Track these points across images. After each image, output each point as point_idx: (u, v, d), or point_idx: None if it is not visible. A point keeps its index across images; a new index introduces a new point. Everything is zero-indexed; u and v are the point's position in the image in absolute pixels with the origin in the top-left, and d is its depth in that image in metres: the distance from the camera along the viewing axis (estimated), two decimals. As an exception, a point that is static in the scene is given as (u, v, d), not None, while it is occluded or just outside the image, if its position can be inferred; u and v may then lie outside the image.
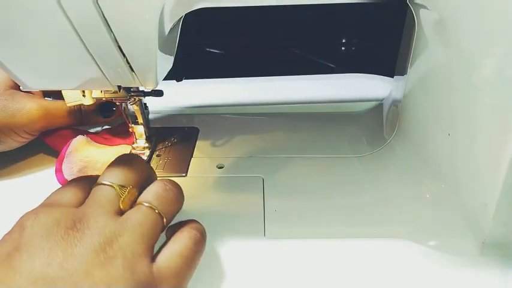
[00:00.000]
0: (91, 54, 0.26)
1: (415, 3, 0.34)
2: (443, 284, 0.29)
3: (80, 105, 0.39)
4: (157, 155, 0.43)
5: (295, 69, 0.59)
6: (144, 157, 0.42)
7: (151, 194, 0.29)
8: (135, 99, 0.38)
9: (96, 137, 0.44)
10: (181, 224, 0.29)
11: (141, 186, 0.30)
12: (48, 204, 0.28)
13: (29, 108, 0.39)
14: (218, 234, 0.32)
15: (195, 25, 0.61)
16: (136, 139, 0.43)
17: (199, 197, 0.37)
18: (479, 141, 0.29)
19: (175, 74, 0.41)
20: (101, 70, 0.28)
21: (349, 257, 0.31)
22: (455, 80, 0.31)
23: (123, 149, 0.43)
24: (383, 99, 0.48)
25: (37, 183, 0.40)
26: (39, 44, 0.26)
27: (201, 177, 0.40)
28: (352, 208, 0.35)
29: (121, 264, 0.24)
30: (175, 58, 0.33)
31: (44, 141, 0.42)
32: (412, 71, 0.37)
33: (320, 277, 0.29)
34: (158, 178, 0.32)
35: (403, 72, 0.39)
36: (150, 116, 0.45)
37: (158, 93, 0.39)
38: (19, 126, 0.38)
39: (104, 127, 0.47)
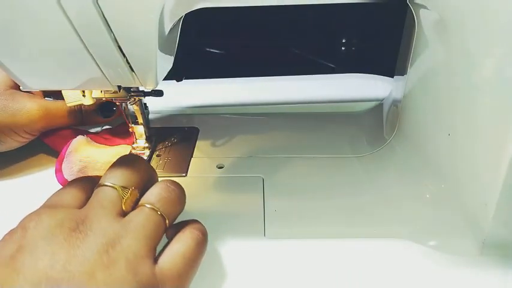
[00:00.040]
0: (91, 54, 0.26)
1: (415, 3, 0.34)
2: (443, 284, 0.29)
3: (80, 105, 0.39)
4: (157, 155, 0.43)
5: (295, 69, 0.59)
6: (144, 157, 0.42)
7: (154, 195, 0.29)
8: (135, 99, 0.38)
9: (96, 137, 0.44)
10: (183, 225, 0.29)
11: (143, 187, 0.30)
12: (49, 206, 0.28)
13: (29, 108, 0.39)
14: (218, 234, 0.32)
15: (195, 25, 0.61)
16: (136, 139, 0.43)
17: (199, 197, 0.37)
18: (479, 141, 0.29)
19: (175, 74, 0.41)
20: (101, 70, 0.28)
21: (349, 257, 0.31)
22: (456, 80, 0.31)
23: (123, 149, 0.43)
24: (383, 99, 0.48)
25: (37, 183, 0.40)
26: (39, 44, 0.26)
27: (201, 177, 0.40)
28: (352, 208, 0.35)
29: (124, 266, 0.24)
30: (175, 58, 0.33)
31: (44, 142, 0.42)
32: (412, 71, 0.37)
33: (320, 277, 0.29)
34: (159, 178, 0.32)
35: (403, 72, 0.39)
36: (150, 116, 0.45)
37: (158, 93, 0.39)
38: (19, 126, 0.38)
39: (104, 127, 0.47)
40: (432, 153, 0.35)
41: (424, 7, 0.33)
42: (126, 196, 0.28)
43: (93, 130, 0.46)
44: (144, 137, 0.42)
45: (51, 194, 0.29)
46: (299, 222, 0.34)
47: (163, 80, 0.32)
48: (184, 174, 0.40)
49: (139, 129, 0.42)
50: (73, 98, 0.37)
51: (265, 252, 0.31)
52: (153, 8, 0.25)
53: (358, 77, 0.57)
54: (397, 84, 0.42)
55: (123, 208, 0.27)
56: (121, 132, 0.45)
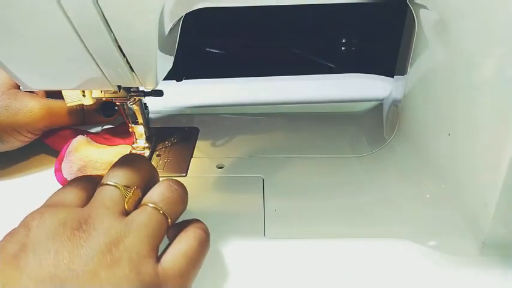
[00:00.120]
0: (91, 54, 0.26)
1: (415, 3, 0.34)
2: (443, 284, 0.29)
3: (82, 104, 0.39)
4: (157, 155, 0.43)
5: (295, 69, 0.59)
6: (144, 157, 0.42)
7: (157, 194, 0.29)
8: (135, 99, 0.38)
9: (96, 137, 0.44)
10: (185, 224, 0.29)
11: (145, 187, 0.30)
12: (51, 205, 0.28)
13: (32, 107, 0.39)
14: (218, 234, 0.32)
15: (195, 25, 0.61)
16: (136, 139, 0.43)
17: (199, 197, 0.37)
18: (479, 141, 0.29)
19: (175, 74, 0.41)
20: (101, 70, 0.28)
21: (349, 257, 0.31)
22: (455, 80, 0.31)
23: (123, 149, 0.43)
24: (383, 99, 0.48)
25: (37, 183, 0.40)
26: (39, 44, 0.26)
27: (201, 177, 0.40)
28: (352, 208, 0.35)
29: (127, 265, 0.24)
30: (175, 58, 0.33)
31: (45, 143, 0.42)
32: (412, 71, 0.37)
33: (320, 277, 0.29)
34: (160, 178, 0.32)
35: (403, 72, 0.39)
36: (150, 116, 0.45)
37: (158, 93, 0.39)
38: (22, 125, 0.38)
39: (104, 127, 0.47)
40: (432, 153, 0.35)
41: (424, 7, 0.33)
42: (129, 195, 0.28)
43: (93, 130, 0.46)
44: (144, 137, 0.42)
45: (52, 193, 0.29)
46: (299, 222, 0.34)
47: (163, 80, 0.32)
48: (184, 174, 0.40)
49: (139, 129, 0.42)
50: (73, 98, 0.37)
51: (265, 252, 0.31)
52: (153, 8, 0.25)
53: (358, 77, 0.57)
54: (397, 84, 0.42)
55: (126, 207, 0.27)
56: (121, 132, 0.45)
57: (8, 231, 0.25)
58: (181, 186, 0.31)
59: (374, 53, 0.67)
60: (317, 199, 0.36)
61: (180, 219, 0.30)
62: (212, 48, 0.69)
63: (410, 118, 0.38)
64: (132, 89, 0.38)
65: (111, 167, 0.30)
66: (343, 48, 0.69)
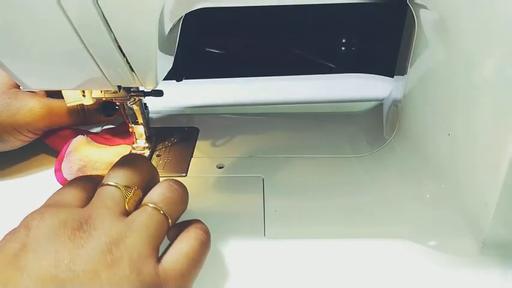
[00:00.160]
0: (91, 54, 0.26)
1: (415, 3, 0.34)
2: (443, 284, 0.29)
3: (82, 104, 0.39)
4: (157, 155, 0.43)
5: (295, 69, 0.59)
6: (144, 157, 0.42)
7: (157, 195, 0.29)
8: (135, 99, 0.38)
9: (96, 137, 0.44)
10: (186, 224, 0.29)
11: (146, 187, 0.30)
12: (51, 205, 0.28)
13: (32, 107, 0.39)
14: (218, 234, 0.32)
15: (195, 25, 0.61)
16: (136, 139, 0.43)
17: (199, 197, 0.37)
18: (479, 141, 0.29)
19: (175, 74, 0.41)
20: (101, 70, 0.28)
21: (349, 257, 0.31)
22: (455, 80, 0.31)
23: (123, 149, 0.43)
24: (383, 99, 0.48)
25: (37, 183, 0.40)
26: (39, 44, 0.26)
27: (201, 177, 0.40)
28: (352, 208, 0.35)
29: (127, 266, 0.24)
30: (175, 58, 0.33)
31: (45, 143, 0.42)
32: (412, 71, 0.37)
33: (320, 277, 0.29)
34: (160, 178, 0.32)
35: (403, 72, 0.39)
36: (150, 116, 0.45)
37: (158, 93, 0.39)
38: (22, 125, 0.38)
39: (104, 127, 0.47)
40: (432, 153, 0.35)
41: (424, 7, 0.33)
42: (129, 196, 0.28)
43: (93, 130, 0.46)
44: (144, 137, 0.42)
45: (52, 193, 0.29)
46: (299, 222, 0.34)
47: (163, 80, 0.32)
48: (184, 174, 0.40)
49: (139, 129, 0.42)
50: (73, 98, 0.37)
51: (265, 252, 0.31)
52: (153, 8, 0.25)
53: (358, 77, 0.57)
54: (397, 84, 0.42)
55: (126, 207, 0.27)
56: (121, 132, 0.45)
57: (8, 231, 0.25)
58: (182, 186, 0.31)
59: (374, 53, 0.67)
60: (317, 199, 0.36)
61: (180, 219, 0.30)
62: (212, 48, 0.69)
63: (410, 118, 0.38)
64: (132, 89, 0.38)
65: (112, 168, 0.30)
66: (343, 48, 0.69)
